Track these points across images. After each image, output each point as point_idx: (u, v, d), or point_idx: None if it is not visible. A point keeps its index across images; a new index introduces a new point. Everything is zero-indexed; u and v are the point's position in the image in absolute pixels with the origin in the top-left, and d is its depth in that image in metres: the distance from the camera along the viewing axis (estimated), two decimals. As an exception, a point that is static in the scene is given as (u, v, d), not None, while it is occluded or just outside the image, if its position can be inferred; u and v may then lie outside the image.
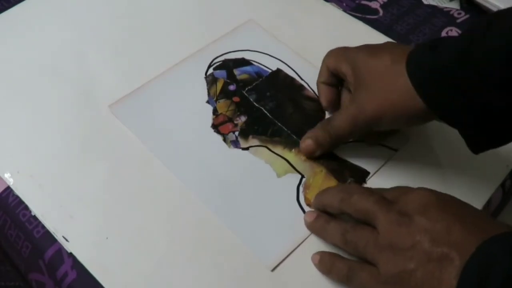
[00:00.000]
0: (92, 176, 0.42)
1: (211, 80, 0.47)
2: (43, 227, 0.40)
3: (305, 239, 0.39)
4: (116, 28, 0.52)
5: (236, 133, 0.44)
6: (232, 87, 0.47)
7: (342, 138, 0.41)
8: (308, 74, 0.47)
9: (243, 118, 0.44)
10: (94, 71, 0.48)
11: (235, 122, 0.44)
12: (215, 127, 0.44)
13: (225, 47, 0.50)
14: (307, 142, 0.42)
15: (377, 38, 0.51)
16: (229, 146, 0.43)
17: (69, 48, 0.50)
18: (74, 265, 0.38)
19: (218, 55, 0.49)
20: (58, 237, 0.39)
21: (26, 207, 0.41)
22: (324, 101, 0.45)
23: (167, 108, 0.45)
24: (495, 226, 0.31)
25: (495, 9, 0.53)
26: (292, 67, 0.49)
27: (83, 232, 0.39)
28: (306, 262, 0.38)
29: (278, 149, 0.43)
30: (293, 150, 0.43)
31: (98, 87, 0.47)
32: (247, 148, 0.43)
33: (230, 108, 0.45)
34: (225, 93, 0.46)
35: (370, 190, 0.37)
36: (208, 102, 0.46)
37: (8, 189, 0.42)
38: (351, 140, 0.43)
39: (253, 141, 0.43)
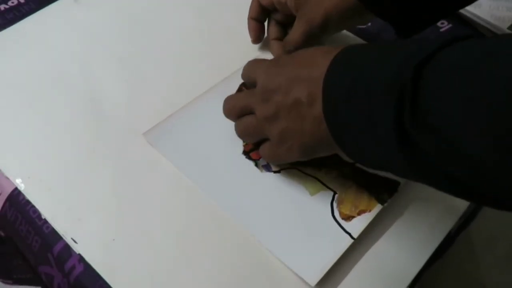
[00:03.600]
0: (99, 181, 0.45)
1: None
2: (52, 223, 0.42)
3: (344, 251, 0.41)
4: (133, 50, 0.54)
5: (267, 158, 0.46)
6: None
7: (300, 47, 0.47)
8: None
9: (271, 143, 0.46)
10: (101, 82, 0.51)
11: (265, 147, 0.46)
12: (246, 153, 0.46)
13: None
14: None
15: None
16: (261, 171, 0.45)
17: (78, 60, 0.53)
18: (81, 258, 0.41)
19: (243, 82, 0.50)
20: (67, 239, 0.41)
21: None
22: (253, 36, 0.52)
23: (199, 136, 0.47)
24: (327, 54, 0.37)
25: (476, 19, 0.58)
26: None
27: (91, 234, 0.42)
28: (346, 274, 0.41)
29: (308, 169, 0.45)
30: (322, 169, 0.45)
31: (104, 95, 0.50)
32: (278, 171, 0.45)
33: (259, 135, 0.47)
34: (252, 121, 0.48)
35: (238, 92, 0.47)
36: (237, 129, 0.47)
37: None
38: None
39: (284, 164, 0.45)
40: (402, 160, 0.32)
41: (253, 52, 0.54)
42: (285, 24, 0.52)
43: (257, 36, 0.53)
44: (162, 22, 0.57)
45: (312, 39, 0.48)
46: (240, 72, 0.46)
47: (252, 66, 0.45)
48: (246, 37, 0.55)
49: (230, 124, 0.47)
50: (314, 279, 0.40)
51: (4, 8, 0.57)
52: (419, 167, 0.31)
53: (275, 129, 0.40)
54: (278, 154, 0.42)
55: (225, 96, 0.45)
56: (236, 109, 0.44)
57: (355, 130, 0.34)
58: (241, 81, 0.50)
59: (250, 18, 0.52)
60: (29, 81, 0.51)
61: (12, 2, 0.58)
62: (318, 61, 0.37)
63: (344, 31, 0.56)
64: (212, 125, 0.48)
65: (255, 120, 0.42)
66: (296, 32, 0.47)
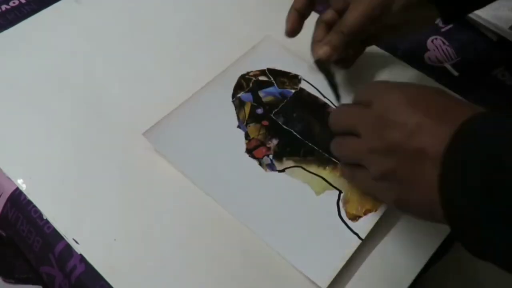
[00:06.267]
0: (100, 181, 0.44)
1: (238, 104, 0.48)
2: (53, 223, 0.42)
3: (353, 252, 0.40)
4: (134, 50, 0.54)
5: (271, 156, 0.45)
6: (259, 111, 0.48)
7: (355, 32, 0.43)
8: (328, 89, 0.48)
9: (274, 141, 0.46)
10: (102, 82, 0.51)
11: (268, 145, 0.45)
12: (249, 151, 0.45)
13: (247, 66, 0.51)
14: (324, 48, 0.44)
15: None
16: (265, 170, 0.44)
17: (79, 60, 0.53)
18: (82, 258, 0.41)
19: (241, 73, 0.50)
20: (69, 239, 0.41)
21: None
22: (288, 27, 0.46)
23: (200, 134, 0.46)
24: (464, 111, 0.32)
25: (477, 19, 0.57)
26: (313, 84, 0.50)
27: (92, 234, 0.42)
28: (352, 274, 0.40)
29: (313, 168, 0.44)
30: (327, 167, 0.44)
31: (106, 95, 0.50)
32: (283, 170, 0.44)
33: (261, 132, 0.46)
34: (254, 117, 0.47)
35: (350, 104, 0.41)
36: (238, 127, 0.47)
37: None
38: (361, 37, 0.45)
39: (288, 163, 0.45)
40: None
41: (245, 46, 0.52)
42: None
43: (293, 29, 0.46)
44: (162, 22, 0.57)
45: (371, 22, 0.42)
46: (233, 65, 0.43)
47: (373, 85, 0.40)
48: (245, 34, 0.54)
49: (231, 121, 0.47)
50: (325, 281, 0.39)
51: (5, 8, 0.57)
52: None
53: (379, 165, 0.36)
54: (373, 189, 0.39)
55: (225, 90, 0.43)
56: (342, 125, 0.40)
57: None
58: (239, 74, 0.49)
59: (293, 8, 0.46)
60: (30, 82, 0.51)
61: (14, 3, 0.58)
62: (453, 115, 0.32)
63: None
64: (213, 122, 0.47)
65: (358, 145, 0.38)
66: (353, 14, 0.42)
